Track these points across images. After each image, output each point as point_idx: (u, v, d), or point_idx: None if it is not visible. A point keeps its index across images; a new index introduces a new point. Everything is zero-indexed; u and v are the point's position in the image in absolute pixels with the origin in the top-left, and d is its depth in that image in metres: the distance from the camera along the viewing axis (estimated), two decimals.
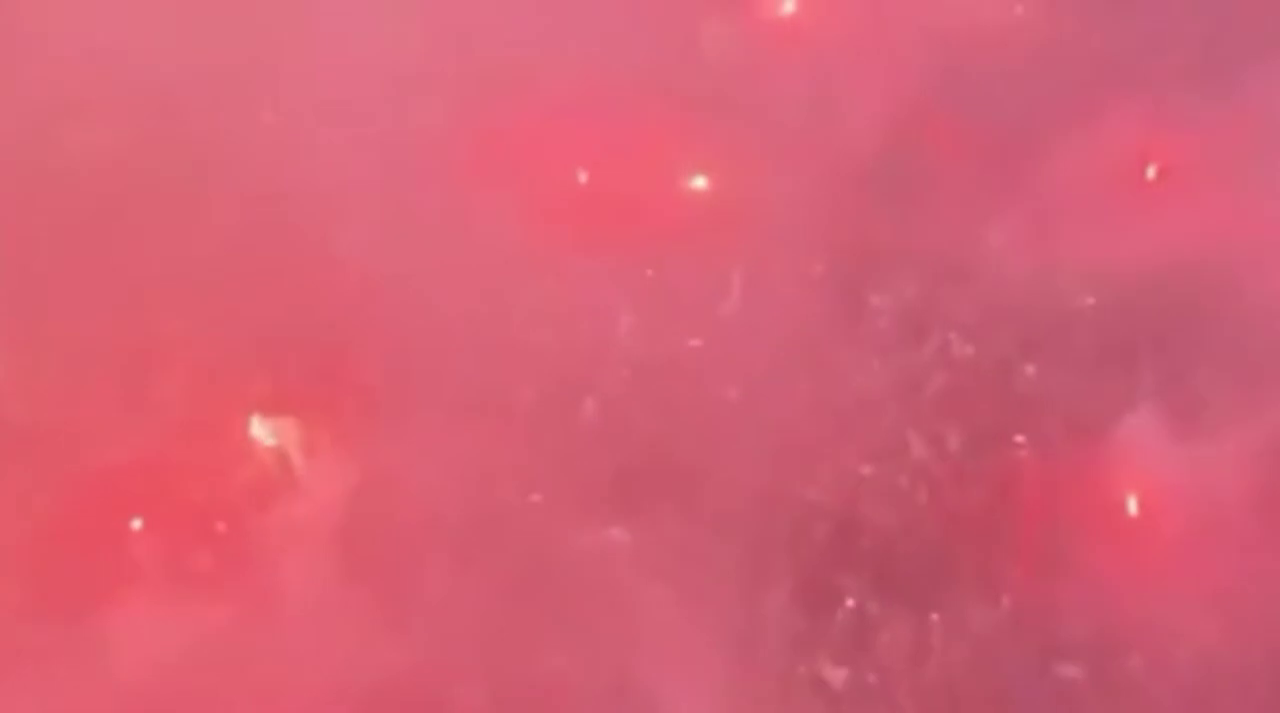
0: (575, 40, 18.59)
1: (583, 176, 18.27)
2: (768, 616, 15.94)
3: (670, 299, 18.36)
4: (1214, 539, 15.66)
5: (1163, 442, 16.41)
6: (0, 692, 14.41)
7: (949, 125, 19.02)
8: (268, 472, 16.75)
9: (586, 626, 16.20)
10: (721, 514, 16.46)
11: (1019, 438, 16.88)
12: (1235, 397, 16.43)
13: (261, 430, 16.90)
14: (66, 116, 18.26)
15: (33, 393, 16.23)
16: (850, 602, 16.21)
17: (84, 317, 16.83)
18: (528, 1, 19.09)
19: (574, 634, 16.18)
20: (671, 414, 17.23)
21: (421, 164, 18.11)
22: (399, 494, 16.04)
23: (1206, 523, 15.71)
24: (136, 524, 15.85)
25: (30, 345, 16.62)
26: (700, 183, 19.22)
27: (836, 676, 15.80)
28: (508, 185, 17.77)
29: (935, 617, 15.91)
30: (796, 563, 16.44)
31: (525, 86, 18.45)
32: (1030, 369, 17.15)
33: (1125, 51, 19.10)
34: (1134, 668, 15.37)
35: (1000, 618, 15.92)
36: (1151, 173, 18.45)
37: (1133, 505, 16.01)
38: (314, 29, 18.43)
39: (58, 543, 15.48)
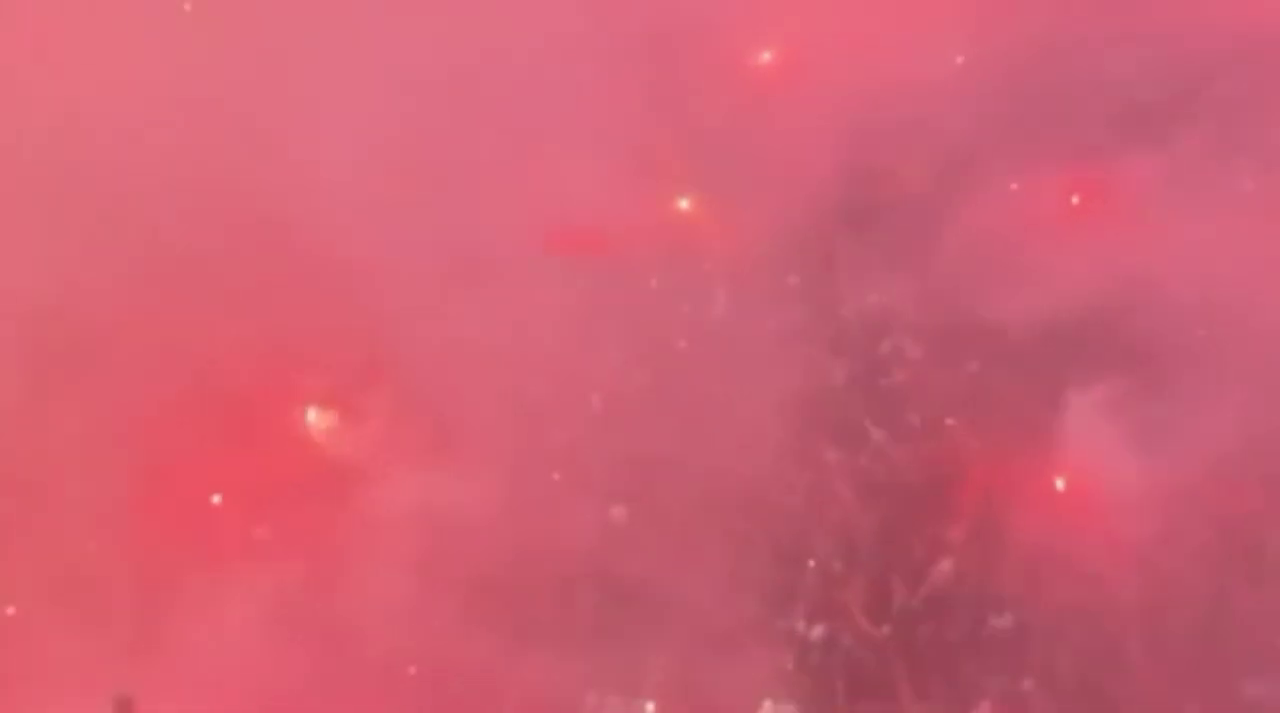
0: (581, 85, 18.45)
1: (591, 203, 18.13)
2: (748, 577, 15.98)
3: (664, 307, 18.60)
4: (1131, 511, 15.66)
5: (1087, 429, 16.50)
6: (103, 633, 14.47)
7: (903, 159, 19.15)
8: (320, 455, 16.96)
9: (592, 590, 16.20)
10: (708, 491, 16.52)
11: (962, 426, 17.06)
12: (1148, 389, 16.45)
13: (315, 421, 17.14)
14: (127, 136, 17.75)
15: (127, 391, 16.09)
16: (816, 563, 16.34)
17: (165, 328, 16.66)
18: (546, 48, 18.82)
19: (586, 600, 16.17)
20: (665, 407, 17.32)
21: (454, 198, 17.85)
22: (433, 475, 15.99)
23: (1124, 497, 15.72)
24: (216, 499, 16.24)
25: (122, 354, 16.49)
26: (687, 206, 19.42)
27: (807, 626, 15.92)
28: (530, 211, 17.73)
29: (890, 576, 16.07)
30: (772, 532, 16.54)
31: (540, 121, 18.40)
32: (973, 366, 17.39)
33: (1054, 98, 19.21)
34: (1058, 619, 15.47)
35: (944, 577, 16.04)
36: (1075, 200, 18.67)
37: (1060, 483, 16.19)
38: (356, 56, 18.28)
39: (156, 513, 15.54)
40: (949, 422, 17.28)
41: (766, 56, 20.43)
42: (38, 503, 15.80)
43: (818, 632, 16.03)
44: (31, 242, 16.73)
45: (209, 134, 17.94)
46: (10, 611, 15.76)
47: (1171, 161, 18.35)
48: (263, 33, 18.40)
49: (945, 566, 16.12)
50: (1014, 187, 18.80)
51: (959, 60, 19.71)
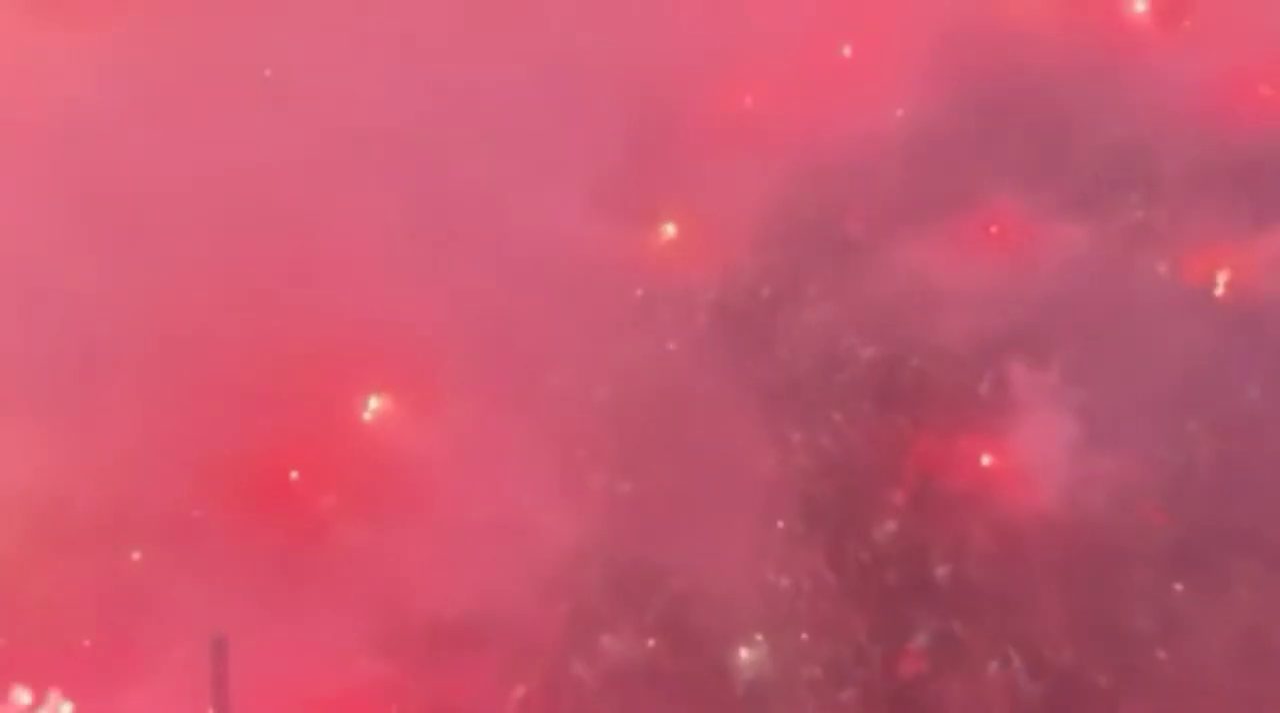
0: (586, 133, 18.34)
1: (594, 227, 18.06)
2: (728, 536, 15.81)
3: (653, 314, 18.51)
4: (1043, 481, 15.81)
5: (1008, 415, 16.70)
6: (206, 580, 14.34)
7: (854, 193, 19.17)
8: (375, 437, 16.79)
9: (602, 547, 15.91)
10: (695, 466, 16.34)
11: (905, 411, 17.08)
12: (1057, 382, 16.64)
13: (372, 408, 16.95)
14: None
15: (224, 391, 15.73)
16: (784, 524, 16.29)
17: (252, 339, 16.22)
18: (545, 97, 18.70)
19: (598, 553, 15.87)
20: (659, 396, 17.16)
21: (480, 226, 17.59)
22: (469, 453, 15.74)
23: (1038, 470, 15.86)
24: (294, 475, 16.12)
25: (220, 360, 16.01)
26: (672, 232, 19.51)
27: (776, 576, 15.87)
28: (545, 233, 17.49)
29: (845, 534, 16.12)
30: (747, 499, 16.31)
31: (553, 159, 18.12)
32: (913, 362, 17.39)
33: (977, 145, 19.31)
34: (984, 570, 15.56)
35: (890, 535, 16.10)
36: (994, 229, 18.84)
37: (986, 460, 16.43)
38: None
39: (249, 486, 15.36)
40: (894, 408, 17.21)
41: (740, 106, 20.29)
42: (157, 478, 15.44)
43: (785, 581, 15.99)
44: (139, 265, 16.25)
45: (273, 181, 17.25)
46: (136, 556, 15.59)
47: (1072, 196, 18.80)
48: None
49: (890, 526, 16.19)
50: (945, 217, 18.83)
51: (899, 113, 19.86)
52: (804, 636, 15.60)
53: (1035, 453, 16.14)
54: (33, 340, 15.69)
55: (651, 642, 15.27)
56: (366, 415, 16.99)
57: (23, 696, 13.93)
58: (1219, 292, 18.73)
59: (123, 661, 14.12)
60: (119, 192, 16.60)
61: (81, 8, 18.11)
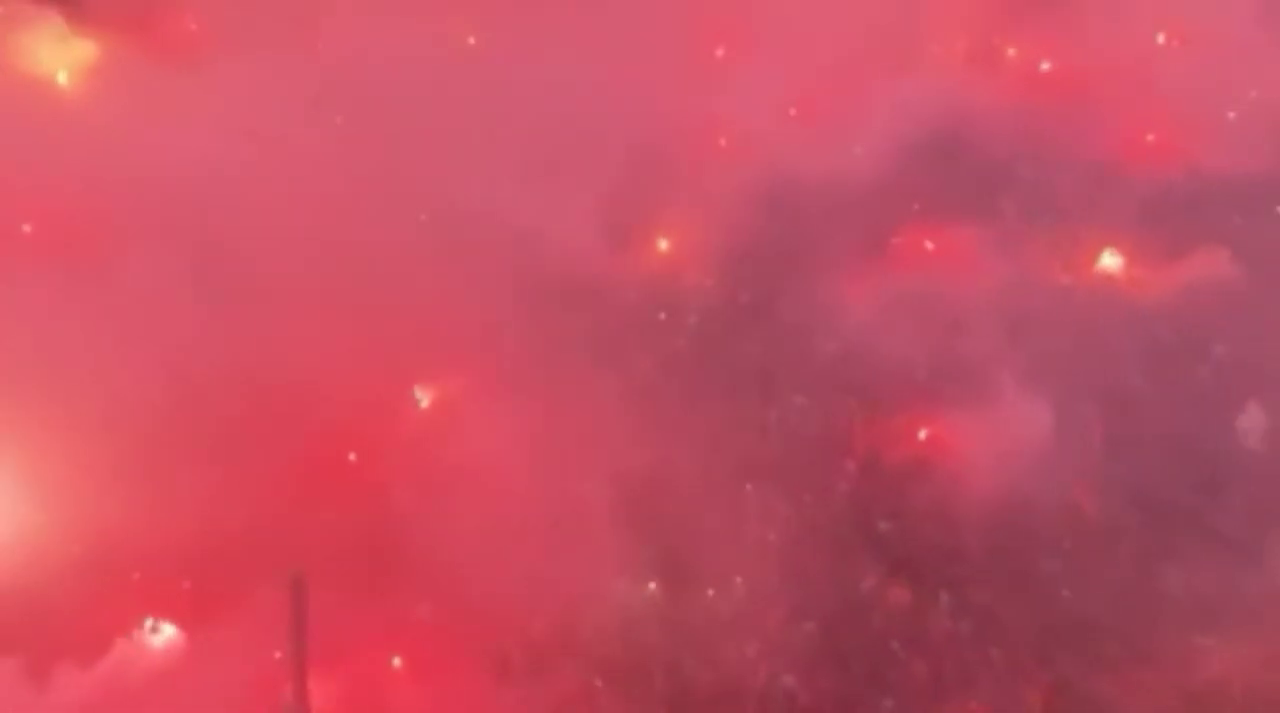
0: (594, 163, 18.24)
1: (600, 242, 18.15)
2: (712, 494, 15.64)
3: (649, 315, 18.44)
4: (971, 450, 15.89)
5: (941, 396, 16.85)
6: (282, 534, 13.89)
7: (816, 215, 19.10)
8: (423, 420, 16.46)
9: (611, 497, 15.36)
10: (688, 438, 16.13)
11: (858, 393, 17.10)
12: (984, 370, 16.63)
13: (420, 396, 16.63)
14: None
15: (300, 387, 15.05)
16: (753, 487, 16.12)
17: (312, 347, 15.52)
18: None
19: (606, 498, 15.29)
20: (658, 385, 17.19)
21: (507, 242, 17.34)
22: (502, 433, 15.26)
23: (965, 441, 15.96)
24: (352, 456, 15.61)
25: (286, 368, 15.29)
26: (665, 246, 19.53)
27: (753, 528, 15.76)
28: (566, 249, 17.51)
29: (805, 494, 16.04)
30: (723, 466, 16.09)
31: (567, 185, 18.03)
32: (868, 355, 17.16)
33: (924, 179, 19.49)
34: (922, 523, 15.54)
35: (843, 495, 16.08)
36: (929, 245, 19.04)
37: (922, 434, 16.58)
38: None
39: (315, 466, 15.02)
40: (850, 391, 17.14)
41: (721, 143, 20.46)
42: (243, 464, 14.92)
43: (755, 530, 15.78)
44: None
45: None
46: (222, 496, 14.64)
47: (996, 221, 19.14)
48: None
49: (843, 487, 16.15)
50: (893, 238, 19.15)
51: (857, 150, 19.77)
52: (772, 576, 15.19)
53: (966, 427, 16.12)
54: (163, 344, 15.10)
55: (652, 584, 15.04)
56: (422, 404, 16.63)
57: (145, 625, 13.72)
58: (1111, 297, 18.71)
59: (218, 600, 13.73)
60: (220, 224, 16.21)
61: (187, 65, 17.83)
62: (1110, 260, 19.27)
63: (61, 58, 19.20)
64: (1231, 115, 21.43)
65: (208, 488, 14.14)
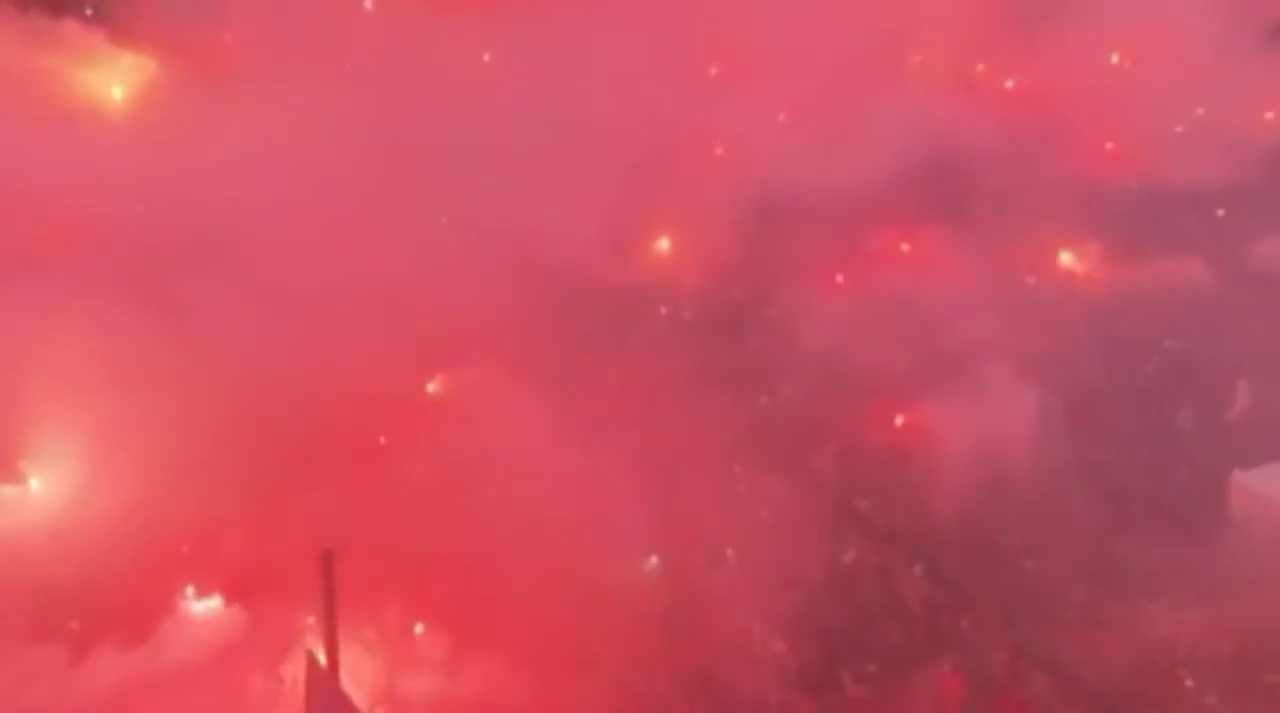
0: (600, 170, 17.77)
1: (608, 243, 17.68)
2: (701, 469, 15.44)
3: (649, 308, 18.52)
4: (941, 432, 15.91)
5: (914, 385, 16.84)
6: (316, 500, 13.56)
7: (799, 219, 18.66)
8: (437, 407, 16.08)
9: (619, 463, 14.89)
10: (681, 412, 15.96)
11: (840, 380, 16.91)
12: (954, 360, 16.66)
13: (433, 387, 16.42)
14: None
15: (315, 375, 14.55)
16: (741, 469, 16.16)
17: (342, 347, 15.15)
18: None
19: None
20: (654, 367, 16.68)
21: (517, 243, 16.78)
22: (514, 418, 15.01)
23: (936, 424, 16.03)
24: (382, 440, 15.44)
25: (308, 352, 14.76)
26: (666, 246, 19.43)
27: (735, 488, 15.86)
28: (574, 247, 17.00)
29: (790, 473, 16.01)
30: (703, 441, 15.66)
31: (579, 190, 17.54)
32: (850, 345, 16.88)
33: (897, 189, 19.03)
34: (899, 499, 15.60)
35: (826, 473, 16.22)
36: (906, 247, 19.20)
37: (899, 419, 16.72)
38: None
39: (349, 447, 14.75)
40: (832, 378, 16.97)
41: (718, 152, 20.22)
42: (282, 450, 14.33)
43: (745, 496, 15.78)
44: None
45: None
46: (260, 479, 14.50)
47: (968, 225, 19.06)
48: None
49: (826, 466, 16.27)
50: (869, 241, 19.12)
51: (842, 160, 19.00)
52: (762, 541, 15.05)
53: (935, 412, 16.14)
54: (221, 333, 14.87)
55: (654, 557, 14.94)
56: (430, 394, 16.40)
57: (190, 594, 13.71)
58: (1072, 294, 18.86)
59: (259, 572, 13.62)
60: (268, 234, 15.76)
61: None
62: (1070, 259, 19.31)
63: (107, 76, 18.70)
64: (1179, 129, 21.52)
65: (251, 471, 13.97)
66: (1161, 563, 14.53)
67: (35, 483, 14.21)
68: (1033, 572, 14.75)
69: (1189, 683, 13.33)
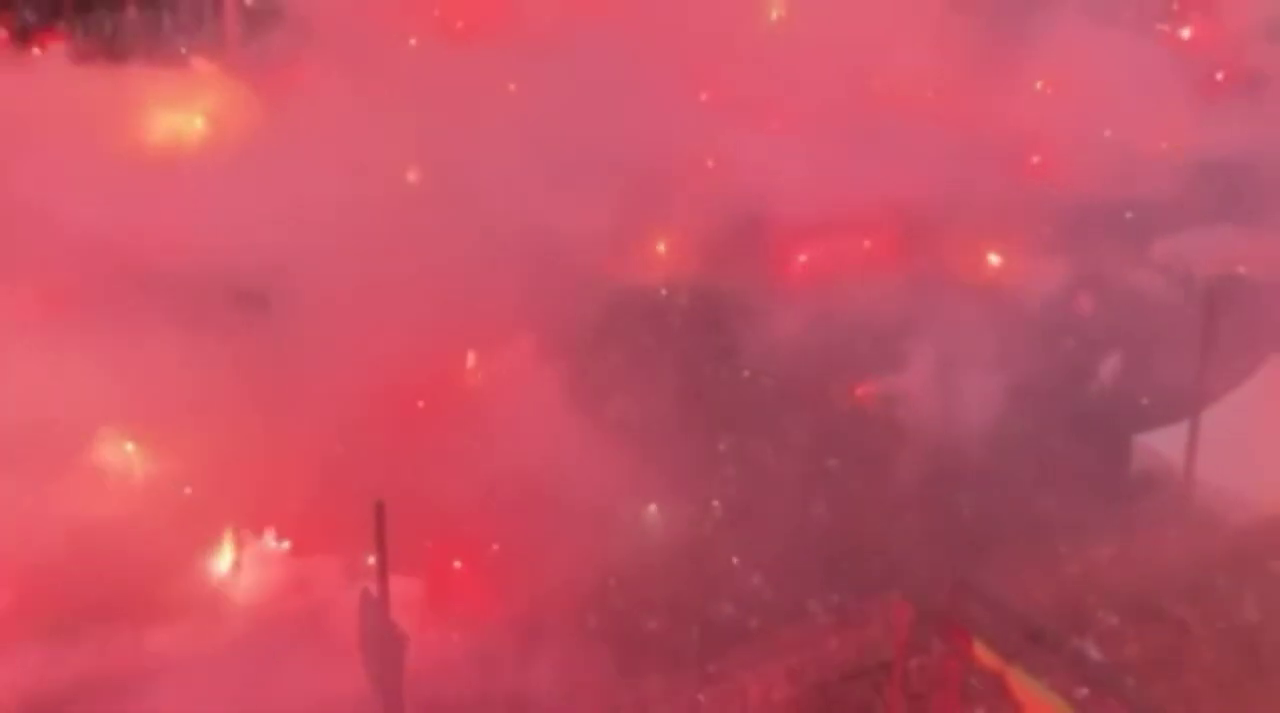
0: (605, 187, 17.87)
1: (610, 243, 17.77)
2: (692, 445, 15.31)
3: (649, 299, 18.40)
4: (908, 398, 15.64)
5: (889, 362, 16.45)
6: (363, 457, 13.49)
7: (767, 231, 18.79)
8: (475, 378, 16.06)
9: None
10: (674, 386, 16.02)
11: (818, 365, 16.59)
12: (911, 346, 16.45)
13: (471, 360, 16.15)
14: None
15: (369, 353, 14.50)
16: (732, 440, 15.85)
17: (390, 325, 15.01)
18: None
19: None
20: (652, 352, 17.16)
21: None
22: (534, 390, 14.87)
23: (904, 393, 15.81)
24: (420, 404, 15.22)
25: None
26: (663, 248, 19.26)
27: (727, 458, 15.51)
28: (584, 245, 17.11)
29: (770, 438, 15.77)
30: (681, 411, 15.68)
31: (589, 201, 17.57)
32: (823, 332, 16.85)
33: (863, 198, 18.59)
34: (870, 462, 15.35)
35: (799, 439, 15.76)
36: (868, 244, 18.75)
37: (859, 392, 16.43)
38: None
39: (393, 413, 14.63)
40: (814, 369, 16.69)
41: (705, 165, 20.14)
42: (341, 416, 14.22)
43: (729, 456, 15.61)
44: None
45: None
46: (325, 445, 14.30)
47: (922, 227, 18.74)
48: None
49: (801, 439, 15.83)
50: (834, 241, 18.77)
51: (812, 171, 18.87)
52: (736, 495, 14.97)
53: (904, 383, 16.06)
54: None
55: (653, 507, 14.66)
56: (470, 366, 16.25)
57: (267, 539, 13.59)
58: (999, 286, 18.34)
59: (321, 518, 13.47)
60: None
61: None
62: (996, 258, 18.97)
63: (199, 105, 18.78)
64: (1092, 147, 21.26)
65: (318, 439, 14.09)
66: (1077, 513, 14.31)
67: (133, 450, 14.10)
68: (972, 520, 14.50)
69: (1099, 612, 13.14)
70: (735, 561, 13.75)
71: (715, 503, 14.82)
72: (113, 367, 13.79)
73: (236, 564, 13.33)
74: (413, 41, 21.40)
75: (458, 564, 13.48)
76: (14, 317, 14.22)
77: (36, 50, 19.33)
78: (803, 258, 18.28)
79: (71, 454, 13.62)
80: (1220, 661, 12.59)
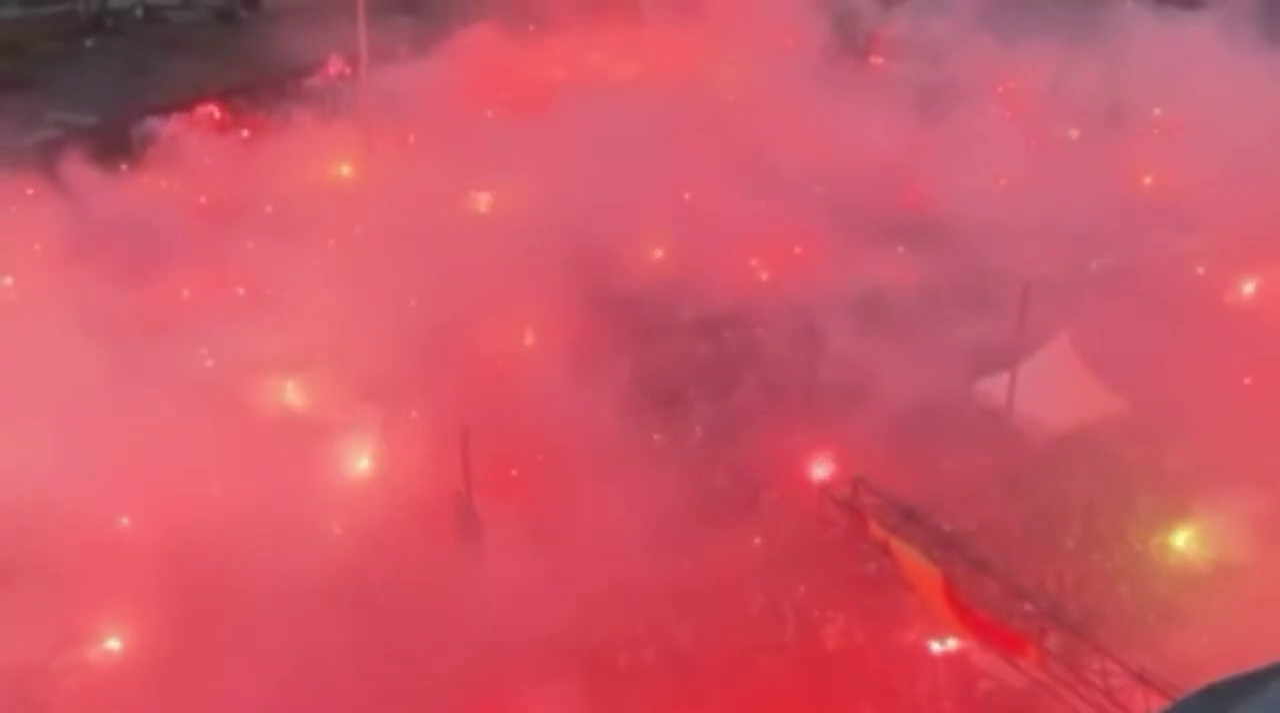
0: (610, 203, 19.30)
1: (613, 252, 19.47)
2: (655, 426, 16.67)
3: (647, 302, 19.58)
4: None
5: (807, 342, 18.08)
6: (449, 407, 14.90)
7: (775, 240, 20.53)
8: (513, 356, 17.82)
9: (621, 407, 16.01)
10: (670, 379, 17.93)
11: (785, 356, 18.28)
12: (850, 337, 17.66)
13: (510, 342, 18.06)
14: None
15: (464, 326, 16.79)
16: (703, 427, 17.48)
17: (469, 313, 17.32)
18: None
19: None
20: (651, 349, 18.60)
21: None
22: (561, 372, 16.37)
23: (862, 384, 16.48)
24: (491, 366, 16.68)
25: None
26: (661, 255, 21.17)
27: (697, 436, 17.24)
28: (602, 255, 19.14)
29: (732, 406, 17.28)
30: (666, 409, 17.57)
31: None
32: (786, 340, 18.60)
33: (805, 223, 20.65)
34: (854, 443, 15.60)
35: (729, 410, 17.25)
36: (799, 250, 20.61)
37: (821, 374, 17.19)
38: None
39: (472, 367, 16.54)
40: (783, 355, 18.40)
41: (686, 197, 22.22)
42: (439, 369, 16.32)
43: (699, 423, 17.22)
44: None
45: None
46: (427, 383, 15.99)
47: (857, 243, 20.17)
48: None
49: (762, 418, 17.02)
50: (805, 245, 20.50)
51: (817, 191, 21.55)
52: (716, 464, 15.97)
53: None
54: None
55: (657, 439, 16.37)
56: (522, 345, 18.16)
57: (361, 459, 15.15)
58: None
59: (420, 441, 15.29)
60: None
61: None
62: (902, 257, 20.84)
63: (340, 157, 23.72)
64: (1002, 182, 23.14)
65: (420, 378, 16.16)
66: (942, 430, 16.54)
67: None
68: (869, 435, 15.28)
69: (949, 498, 15.36)
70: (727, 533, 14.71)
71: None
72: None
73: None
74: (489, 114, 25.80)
75: (515, 472, 15.76)
76: None
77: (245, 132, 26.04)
78: (765, 266, 20.47)
79: None
80: (1026, 529, 15.74)
